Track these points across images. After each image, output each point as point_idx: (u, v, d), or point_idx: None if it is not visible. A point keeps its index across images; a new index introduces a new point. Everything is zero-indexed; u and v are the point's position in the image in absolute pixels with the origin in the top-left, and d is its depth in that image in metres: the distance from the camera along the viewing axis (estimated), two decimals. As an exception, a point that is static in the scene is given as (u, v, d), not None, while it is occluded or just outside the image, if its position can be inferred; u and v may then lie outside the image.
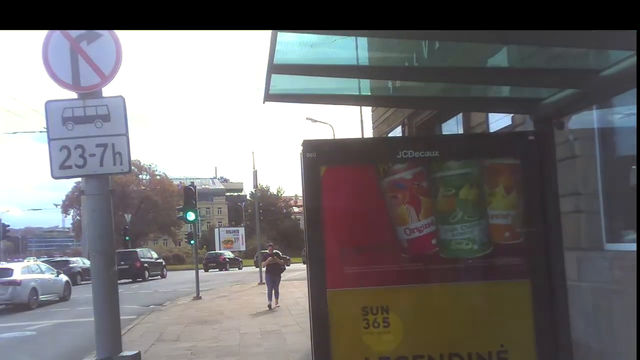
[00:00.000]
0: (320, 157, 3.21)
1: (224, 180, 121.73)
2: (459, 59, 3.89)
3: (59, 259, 40.95)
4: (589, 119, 5.16)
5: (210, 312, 16.25)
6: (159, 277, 38.58)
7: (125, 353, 4.48)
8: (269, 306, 15.74)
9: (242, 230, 73.18)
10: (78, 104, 4.54)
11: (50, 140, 4.54)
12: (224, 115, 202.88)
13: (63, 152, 4.53)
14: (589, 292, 4.79)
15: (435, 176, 3.27)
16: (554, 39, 2.75)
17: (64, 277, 23.57)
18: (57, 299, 22.49)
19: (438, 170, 3.27)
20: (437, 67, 4.31)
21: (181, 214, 22.61)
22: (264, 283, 18.31)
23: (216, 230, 77.82)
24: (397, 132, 11.20)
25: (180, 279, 34.93)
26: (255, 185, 32.82)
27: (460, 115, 8.29)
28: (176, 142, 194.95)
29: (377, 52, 4.09)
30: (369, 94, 4.82)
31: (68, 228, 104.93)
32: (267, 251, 17.46)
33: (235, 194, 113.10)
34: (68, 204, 69.22)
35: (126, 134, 4.58)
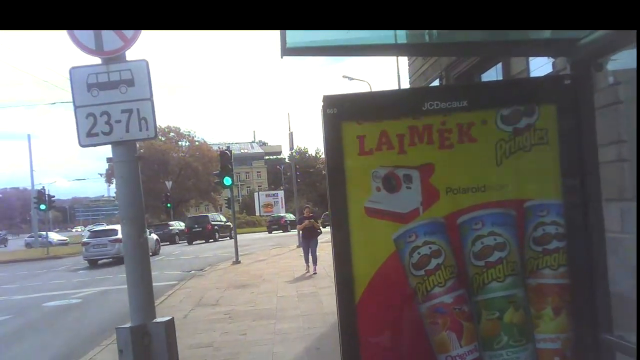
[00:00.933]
0: (342, 113, 3.03)
1: (263, 144, 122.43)
2: None
3: (159, 223, 48.72)
4: (632, 59, 4.82)
5: (249, 276, 16.50)
6: (227, 238, 41.03)
7: (159, 319, 4.47)
8: (307, 271, 15.78)
9: (281, 193, 73.76)
10: (102, 69, 4.50)
11: (76, 107, 4.52)
12: (261, 78, 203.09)
13: (89, 120, 4.52)
14: (632, 243, 4.58)
15: (477, 299, 3.02)
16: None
17: (154, 236, 29.83)
18: (150, 253, 26.19)
19: (480, 293, 3.03)
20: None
21: (218, 179, 22.89)
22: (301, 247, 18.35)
23: (256, 194, 78.82)
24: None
25: (220, 244, 35.86)
26: (292, 147, 32.82)
27: (499, 65, 7.89)
28: (215, 109, 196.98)
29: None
30: (405, 41, 4.57)
31: (113, 197, 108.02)
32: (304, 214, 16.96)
33: (274, 157, 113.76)
34: (111, 173, 70.57)
35: (151, 99, 4.54)
